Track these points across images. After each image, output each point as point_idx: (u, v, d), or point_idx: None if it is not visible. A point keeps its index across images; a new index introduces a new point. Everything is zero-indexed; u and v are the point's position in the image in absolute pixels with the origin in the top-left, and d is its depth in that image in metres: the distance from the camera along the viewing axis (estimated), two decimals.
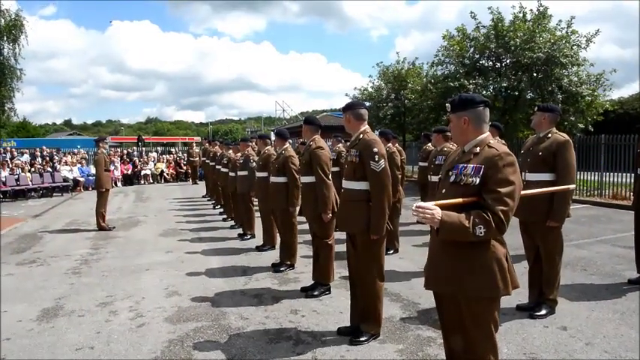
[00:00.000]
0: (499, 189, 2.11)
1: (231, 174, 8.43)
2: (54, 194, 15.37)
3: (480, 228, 2.08)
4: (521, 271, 4.90)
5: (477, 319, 2.23)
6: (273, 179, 5.67)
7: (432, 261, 2.38)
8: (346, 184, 3.69)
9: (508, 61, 14.59)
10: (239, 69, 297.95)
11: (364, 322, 3.60)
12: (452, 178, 2.29)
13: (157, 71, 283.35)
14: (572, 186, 3.52)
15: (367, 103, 18.41)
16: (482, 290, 2.19)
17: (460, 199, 2.17)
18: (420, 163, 8.65)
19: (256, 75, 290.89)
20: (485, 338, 2.24)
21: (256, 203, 7.30)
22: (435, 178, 6.20)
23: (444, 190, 2.34)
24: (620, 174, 11.26)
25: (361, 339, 3.52)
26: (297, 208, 5.46)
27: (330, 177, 4.62)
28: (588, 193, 12.00)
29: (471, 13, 14.94)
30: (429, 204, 2.13)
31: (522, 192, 2.47)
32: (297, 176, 5.31)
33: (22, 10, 25.91)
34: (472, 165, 2.21)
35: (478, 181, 2.16)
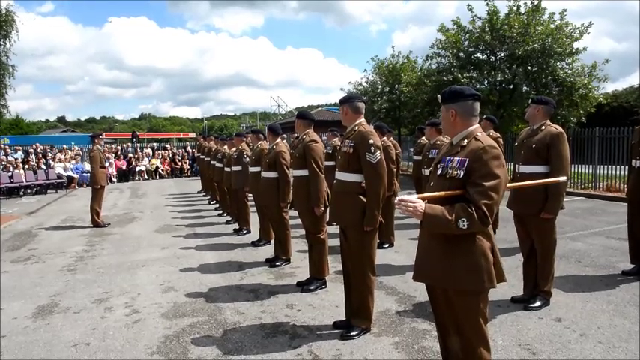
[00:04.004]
0: (483, 182, 2.10)
1: (226, 169, 8.41)
2: (48, 191, 15.32)
3: (463, 221, 2.08)
4: (516, 263, 4.95)
5: (465, 312, 2.24)
6: (264, 174, 5.65)
7: (421, 253, 2.40)
8: (339, 175, 3.66)
9: (503, 54, 14.60)
10: (237, 65, 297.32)
11: (355, 317, 3.60)
12: (439, 171, 2.29)
13: (155, 68, 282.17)
14: (563, 178, 3.52)
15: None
16: (466, 283, 2.19)
17: (443, 192, 2.18)
18: (415, 157, 8.65)
19: (254, 71, 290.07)
20: (475, 331, 2.25)
21: (251, 198, 7.29)
22: (428, 172, 6.22)
23: (432, 183, 2.35)
24: (614, 166, 11.32)
25: (352, 333, 3.53)
26: (288, 204, 5.46)
27: (322, 171, 4.61)
28: (582, 186, 12.06)
29: (468, 5, 14.95)
30: (412, 197, 2.14)
31: (511, 184, 2.47)
32: (288, 172, 5.29)
33: (14, 5, 25.66)
34: (458, 158, 2.21)
35: (462, 174, 2.16)
